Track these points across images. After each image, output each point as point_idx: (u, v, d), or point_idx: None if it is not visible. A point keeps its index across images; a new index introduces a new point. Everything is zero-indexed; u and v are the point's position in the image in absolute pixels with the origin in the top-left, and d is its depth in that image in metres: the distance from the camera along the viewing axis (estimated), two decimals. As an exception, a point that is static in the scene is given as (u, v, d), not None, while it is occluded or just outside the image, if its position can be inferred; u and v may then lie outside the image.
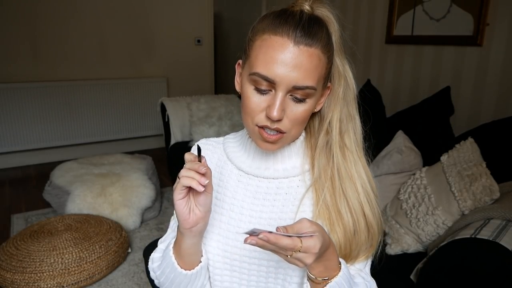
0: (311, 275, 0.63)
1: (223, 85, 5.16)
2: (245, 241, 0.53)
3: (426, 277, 1.22)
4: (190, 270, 0.71)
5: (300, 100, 0.65)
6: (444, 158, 1.63)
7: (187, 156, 0.65)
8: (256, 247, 0.65)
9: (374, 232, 0.71)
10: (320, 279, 0.62)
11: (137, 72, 4.20)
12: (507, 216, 1.25)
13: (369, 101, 2.27)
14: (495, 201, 1.39)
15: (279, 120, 0.65)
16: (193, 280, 0.73)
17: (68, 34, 3.73)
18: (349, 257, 0.71)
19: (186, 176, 0.61)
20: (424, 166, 1.78)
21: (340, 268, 0.63)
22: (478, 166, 1.49)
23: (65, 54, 3.77)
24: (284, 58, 0.61)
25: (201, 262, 0.73)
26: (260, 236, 0.52)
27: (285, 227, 0.56)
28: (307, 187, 0.74)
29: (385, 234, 1.65)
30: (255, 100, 0.65)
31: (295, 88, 0.63)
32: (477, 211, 1.35)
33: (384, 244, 1.61)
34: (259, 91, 0.65)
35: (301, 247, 0.54)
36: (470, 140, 1.62)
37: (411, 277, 1.36)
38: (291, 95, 0.64)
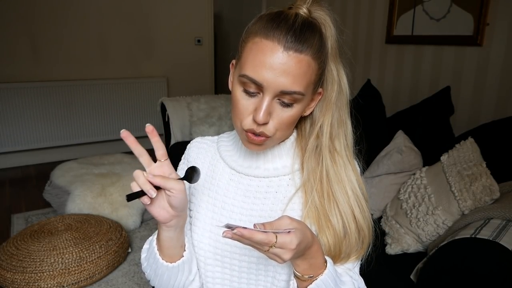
0: (296, 273, 0.64)
1: (223, 85, 5.16)
2: (222, 234, 0.55)
3: (426, 277, 1.23)
4: (171, 263, 0.72)
5: (287, 105, 0.66)
6: (444, 158, 1.63)
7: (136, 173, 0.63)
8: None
9: (364, 235, 0.72)
10: (306, 276, 0.63)
11: (137, 72, 4.20)
12: (507, 216, 1.25)
13: (369, 101, 2.28)
14: (495, 201, 1.39)
15: (265, 124, 0.66)
16: (175, 273, 0.73)
17: (68, 34, 3.73)
18: (339, 258, 0.71)
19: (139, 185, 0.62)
20: (424, 166, 1.78)
21: (326, 266, 0.64)
22: (478, 166, 1.49)
23: (65, 54, 3.76)
24: (272, 63, 0.62)
25: (183, 257, 0.73)
26: (235, 231, 0.54)
27: (263, 224, 0.57)
28: (296, 186, 0.75)
29: (385, 234, 1.65)
30: (243, 103, 0.66)
31: (283, 93, 0.64)
32: (477, 211, 1.35)
33: (384, 244, 1.61)
34: (248, 93, 0.66)
35: (275, 242, 0.55)
36: (470, 140, 1.62)
37: (411, 277, 1.36)
38: (278, 99, 0.65)
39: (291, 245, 0.55)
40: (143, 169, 0.66)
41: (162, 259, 0.71)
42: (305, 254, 0.61)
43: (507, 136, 1.62)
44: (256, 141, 0.68)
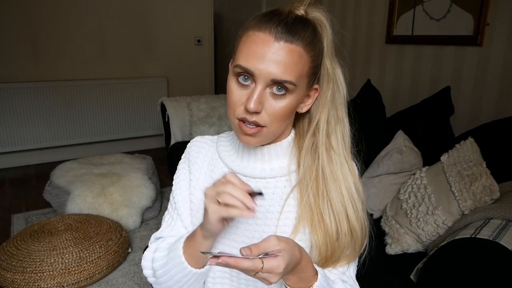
0: (287, 286, 0.64)
1: (223, 85, 5.15)
2: (207, 263, 0.55)
3: (426, 277, 1.23)
4: (200, 268, 0.71)
5: (279, 96, 0.66)
6: (444, 158, 1.63)
7: (232, 179, 0.61)
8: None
9: (357, 236, 0.71)
10: None
11: (137, 72, 4.20)
12: (507, 216, 1.25)
13: (369, 101, 2.29)
14: (495, 201, 1.39)
15: (257, 113, 0.66)
16: (201, 277, 0.73)
17: (68, 34, 3.73)
18: (331, 260, 0.71)
19: (234, 206, 0.59)
20: (424, 166, 1.78)
21: (317, 278, 0.63)
22: (478, 166, 1.49)
23: (65, 54, 3.77)
24: (264, 52, 0.64)
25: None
26: (219, 260, 0.54)
27: (249, 248, 0.56)
28: (292, 187, 0.74)
29: (385, 234, 1.65)
30: (236, 93, 0.67)
31: (274, 82, 0.65)
32: (477, 211, 1.35)
33: (384, 244, 1.61)
34: (241, 84, 0.67)
35: (262, 268, 0.54)
36: (470, 140, 1.62)
37: (411, 277, 1.36)
38: (270, 89, 0.66)
39: (278, 269, 0.55)
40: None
41: (192, 266, 0.70)
42: (294, 270, 0.61)
43: (507, 136, 1.62)
44: (250, 131, 0.68)
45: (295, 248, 0.60)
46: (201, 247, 0.68)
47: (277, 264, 0.55)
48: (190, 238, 0.70)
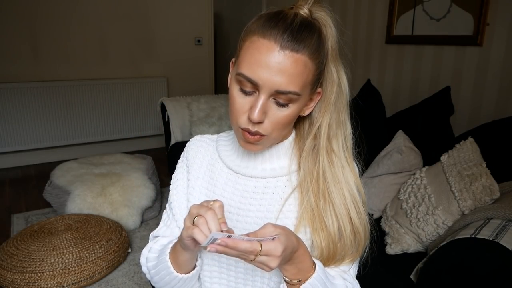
0: (285, 278, 0.64)
1: (223, 85, 5.16)
2: (206, 249, 0.55)
3: (426, 277, 1.23)
4: (186, 274, 0.73)
5: (283, 105, 0.65)
6: (444, 158, 1.63)
7: (217, 209, 0.60)
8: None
9: (360, 238, 0.71)
10: (295, 281, 0.63)
11: (137, 72, 4.20)
12: (507, 216, 1.25)
13: (369, 101, 2.28)
14: (495, 201, 1.39)
15: (260, 123, 0.65)
16: (189, 282, 0.75)
17: (68, 34, 3.73)
18: (333, 260, 0.71)
19: (203, 234, 0.58)
20: (424, 166, 1.78)
21: (315, 269, 0.64)
22: (478, 166, 1.49)
23: (65, 54, 3.77)
24: (268, 62, 0.62)
25: (196, 266, 0.75)
26: (218, 241, 0.54)
27: (247, 234, 0.57)
28: (293, 187, 0.74)
29: (385, 234, 1.65)
30: (239, 101, 0.66)
31: (278, 93, 0.63)
32: (477, 211, 1.35)
33: (384, 244, 1.61)
34: (244, 92, 0.66)
35: (261, 250, 0.55)
36: (470, 140, 1.62)
37: (411, 277, 1.36)
38: (274, 98, 0.65)
39: (276, 252, 0.56)
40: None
41: (177, 272, 0.72)
42: (292, 259, 0.61)
43: (507, 136, 1.62)
44: (252, 140, 0.67)
45: (292, 234, 0.61)
46: (181, 256, 0.70)
47: (275, 246, 0.56)
48: (174, 246, 0.72)
